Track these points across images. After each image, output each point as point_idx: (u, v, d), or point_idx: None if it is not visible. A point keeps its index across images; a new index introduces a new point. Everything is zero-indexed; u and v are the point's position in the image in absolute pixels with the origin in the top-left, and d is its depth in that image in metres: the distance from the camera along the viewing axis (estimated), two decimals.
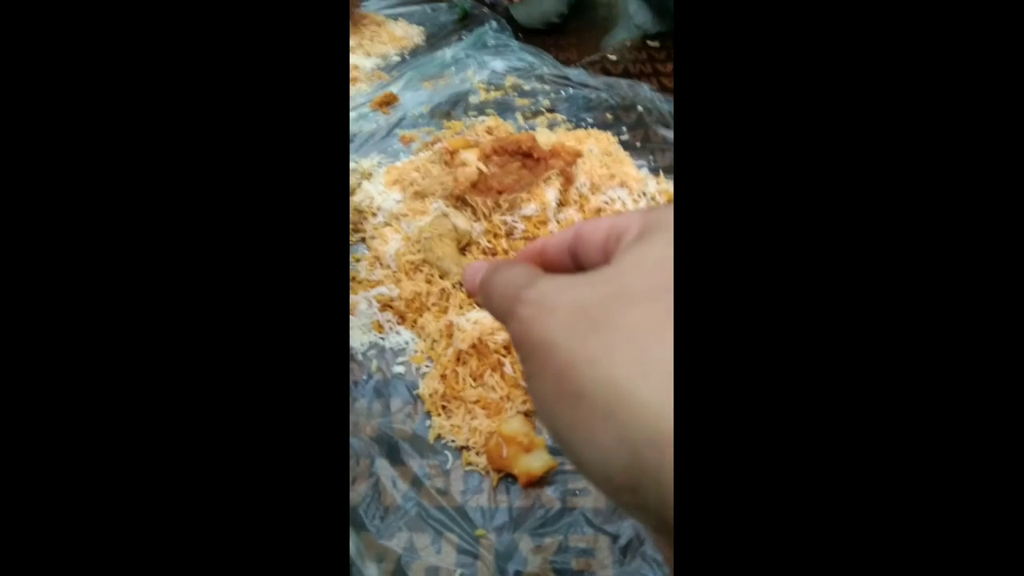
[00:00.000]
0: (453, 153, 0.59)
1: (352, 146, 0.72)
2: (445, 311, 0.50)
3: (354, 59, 0.89)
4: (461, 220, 0.54)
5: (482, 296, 0.16)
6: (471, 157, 0.56)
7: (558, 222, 0.56)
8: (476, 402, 0.43)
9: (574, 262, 0.17)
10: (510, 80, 0.82)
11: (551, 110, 0.76)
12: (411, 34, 0.96)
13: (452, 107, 0.78)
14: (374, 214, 0.59)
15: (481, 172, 0.56)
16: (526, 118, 0.75)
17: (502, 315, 0.15)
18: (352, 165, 0.66)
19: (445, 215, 0.54)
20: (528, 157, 0.59)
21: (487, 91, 0.80)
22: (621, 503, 0.12)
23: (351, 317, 0.51)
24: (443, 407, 0.44)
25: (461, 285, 0.50)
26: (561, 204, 0.58)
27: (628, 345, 0.11)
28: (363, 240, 0.58)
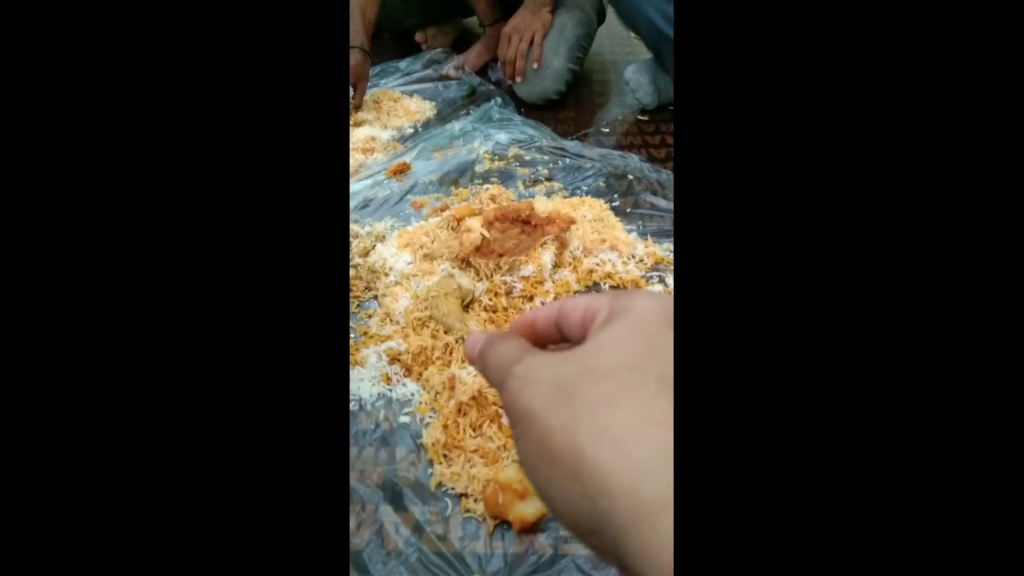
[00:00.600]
0: (460, 220, 0.65)
1: (367, 211, 0.79)
2: (448, 364, 0.54)
3: (372, 131, 0.98)
4: (465, 280, 0.59)
5: (479, 365, 0.20)
6: (475, 224, 0.62)
7: (553, 282, 0.61)
8: (475, 451, 0.47)
9: (559, 333, 0.20)
10: (512, 151, 0.90)
11: (549, 179, 0.83)
12: (424, 109, 1.06)
13: (459, 175, 0.85)
14: (386, 274, 0.64)
15: (484, 237, 0.62)
16: (526, 186, 0.82)
17: (496, 384, 0.18)
18: (367, 229, 0.72)
19: (451, 275, 0.59)
20: (527, 223, 0.65)
21: (491, 161, 0.88)
22: (589, 546, 0.15)
23: (361, 369, 0.55)
24: (444, 455, 0.47)
25: (463, 340, 0.55)
26: (556, 266, 0.63)
27: (590, 415, 0.14)
28: (375, 297, 0.63)
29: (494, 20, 1.17)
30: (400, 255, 0.65)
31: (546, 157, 0.88)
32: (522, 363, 0.17)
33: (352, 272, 0.65)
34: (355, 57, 0.99)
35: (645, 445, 0.13)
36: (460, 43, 1.32)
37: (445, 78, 1.18)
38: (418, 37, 1.32)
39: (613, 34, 1.29)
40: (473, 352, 0.20)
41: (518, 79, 1.01)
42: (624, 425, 0.14)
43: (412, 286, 0.61)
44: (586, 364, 0.16)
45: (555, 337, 0.20)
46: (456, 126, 0.98)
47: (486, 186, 0.82)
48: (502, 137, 0.94)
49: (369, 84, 1.05)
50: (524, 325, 0.21)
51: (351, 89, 0.99)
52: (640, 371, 0.15)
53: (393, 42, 1.37)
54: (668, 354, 0.15)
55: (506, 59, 0.99)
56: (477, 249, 0.61)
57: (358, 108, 1.01)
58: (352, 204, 0.80)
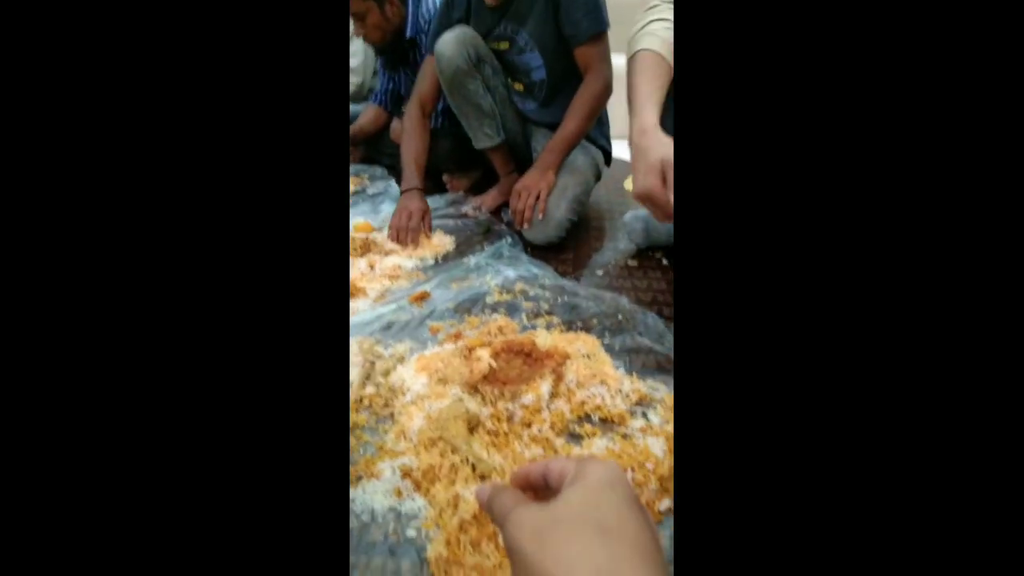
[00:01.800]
0: (471, 349, 0.76)
1: (390, 332, 0.90)
2: (453, 483, 0.61)
3: (398, 260, 1.13)
4: (473, 405, 0.68)
5: (486, 509, 0.28)
6: (484, 354, 0.73)
7: (549, 411, 0.70)
8: (474, 568, 0.52)
9: (546, 484, 0.28)
10: (519, 286, 1.04)
11: (549, 313, 0.95)
12: (445, 242, 1.23)
13: (472, 305, 0.98)
14: (404, 394, 0.73)
15: (491, 367, 0.72)
16: (529, 318, 0.94)
17: (498, 525, 0.26)
18: (390, 351, 0.83)
19: (460, 400, 0.69)
20: (528, 356, 0.76)
21: (500, 293, 1.01)
22: None
23: (376, 481, 0.62)
24: (445, 572, 0.53)
25: (468, 462, 0.62)
26: (553, 396, 0.72)
27: (560, 553, 0.22)
28: (392, 415, 0.71)
29: (508, 172, 1.40)
30: (417, 377, 0.75)
31: (548, 294, 1.01)
32: (515, 511, 0.26)
33: (373, 390, 0.75)
34: (415, 197, 1.21)
35: (588, 571, 0.21)
36: (479, 186, 1.55)
37: (464, 216, 1.37)
38: (445, 178, 1.55)
39: (609, 189, 1.51)
40: (482, 499, 0.29)
41: (526, 226, 1.19)
42: (576, 558, 0.22)
43: (426, 407, 0.70)
44: (554, 515, 0.24)
45: (542, 487, 0.29)
46: (472, 260, 1.13)
47: (495, 316, 0.94)
48: (510, 273, 1.09)
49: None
50: (521, 477, 0.30)
51: (420, 222, 1.20)
52: (587, 522, 0.23)
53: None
54: (609, 510, 0.23)
55: (516, 209, 1.18)
56: (484, 377, 0.71)
57: (428, 238, 1.20)
58: (377, 326, 0.91)
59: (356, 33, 1.44)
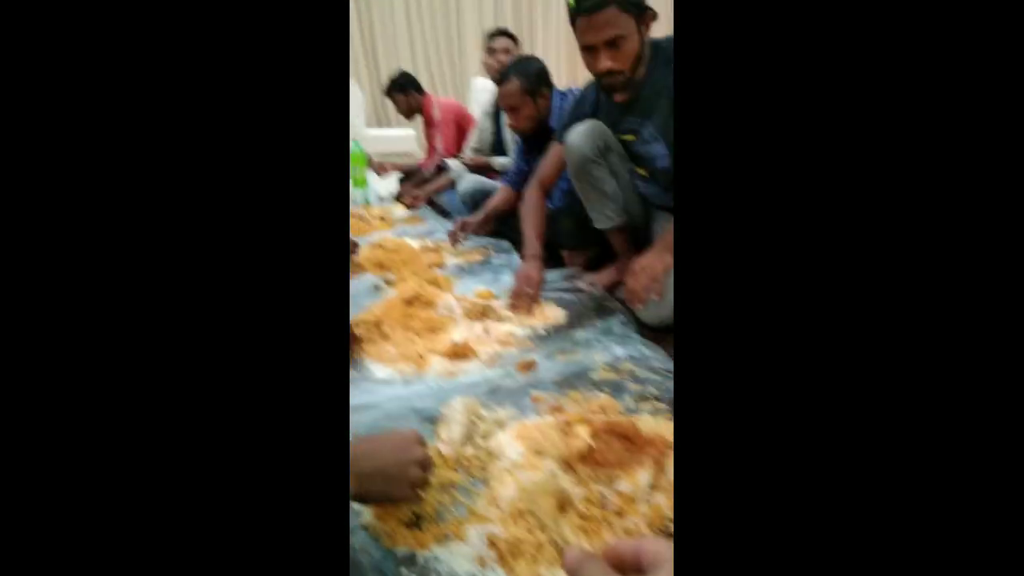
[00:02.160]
0: (570, 424, 0.75)
1: (495, 396, 0.93)
2: (536, 561, 0.59)
3: (512, 327, 1.18)
4: (566, 483, 0.67)
5: (570, 575, 0.28)
6: (584, 432, 0.72)
7: (647, 503, 0.65)
8: None
9: (637, 565, 0.28)
10: (627, 366, 1.01)
11: (656, 399, 0.91)
12: (557, 315, 1.26)
13: (576, 379, 0.98)
14: (500, 459, 0.75)
15: (589, 446, 0.71)
16: (635, 400, 0.91)
17: None
18: (493, 415, 0.85)
19: (554, 475, 0.68)
20: (629, 441, 0.73)
21: (606, 371, 1.00)
22: None
23: (461, 543, 0.62)
24: None
25: (554, 543, 0.60)
26: (652, 487, 0.68)
27: None
28: (486, 479, 0.72)
29: (626, 252, 1.41)
30: (514, 445, 0.76)
31: (657, 378, 0.97)
32: None
33: (471, 451, 0.77)
34: (536, 265, 1.29)
35: None
36: (596, 262, 1.58)
37: (579, 291, 1.40)
38: (563, 254, 1.62)
39: None
40: (570, 563, 0.29)
41: (640, 306, 1.17)
42: None
43: (519, 476, 0.70)
44: None
45: (632, 567, 0.28)
46: (581, 334, 1.14)
47: (598, 393, 0.92)
48: (619, 351, 1.07)
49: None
50: (612, 553, 0.30)
51: (538, 290, 1.26)
52: None
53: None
54: None
55: (632, 289, 1.18)
56: (581, 456, 0.70)
57: (536, 304, 1.26)
58: (484, 388, 0.95)
59: (509, 123, 1.65)
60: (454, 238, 1.76)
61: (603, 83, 1.20)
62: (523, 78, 1.59)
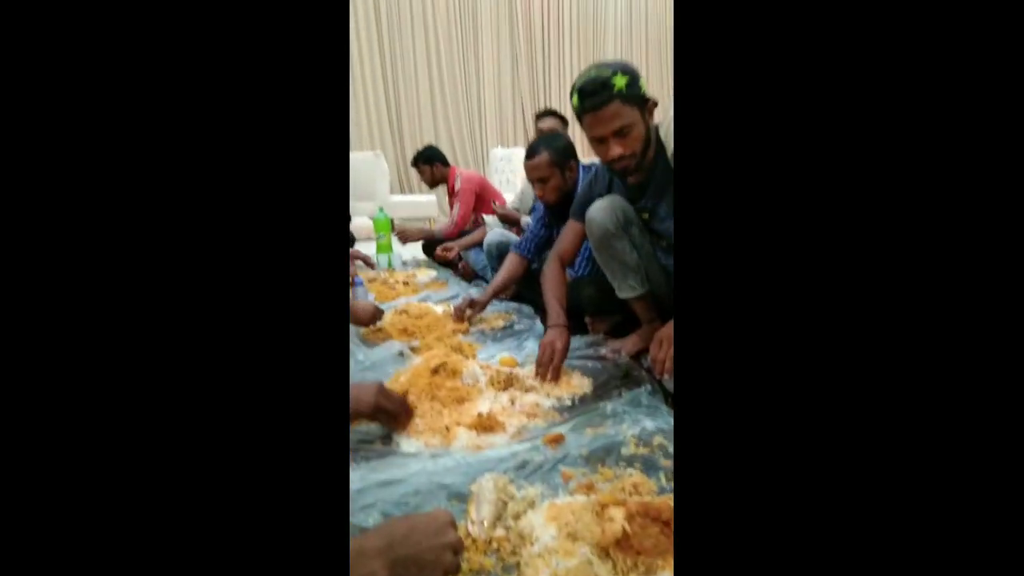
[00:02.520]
0: (604, 507, 0.73)
1: (523, 472, 0.92)
2: None
3: (537, 398, 1.18)
4: (602, 571, 0.64)
5: None
6: (618, 515, 0.70)
7: None
8: None
9: None
10: (657, 440, 0.99)
11: None
12: (583, 384, 1.25)
13: (606, 455, 0.96)
14: (532, 543, 0.72)
15: (624, 530, 0.68)
16: (668, 479, 0.88)
17: None
18: (522, 493, 0.84)
19: (589, 563, 0.65)
20: (667, 525, 0.70)
21: (637, 446, 0.98)
22: None
23: None
24: None
25: None
26: None
27: None
28: (518, 564, 0.70)
29: (650, 320, 1.42)
30: (547, 527, 0.74)
31: None
32: None
33: (502, 533, 0.75)
34: (561, 334, 1.30)
35: None
36: (619, 329, 1.58)
37: (603, 359, 1.40)
38: (587, 320, 1.63)
39: None
40: None
41: (667, 376, 1.16)
42: None
43: (553, 563, 0.68)
44: None
45: None
46: (608, 406, 1.13)
47: (630, 471, 0.90)
48: (649, 424, 1.05)
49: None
50: None
51: (562, 360, 1.26)
52: None
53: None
54: None
55: (657, 358, 1.18)
56: (617, 542, 0.67)
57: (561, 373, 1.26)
58: (512, 463, 0.94)
59: (537, 194, 1.72)
60: (460, 315, 1.75)
61: (615, 168, 1.26)
62: (551, 151, 1.68)
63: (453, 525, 0.63)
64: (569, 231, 1.47)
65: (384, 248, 2.83)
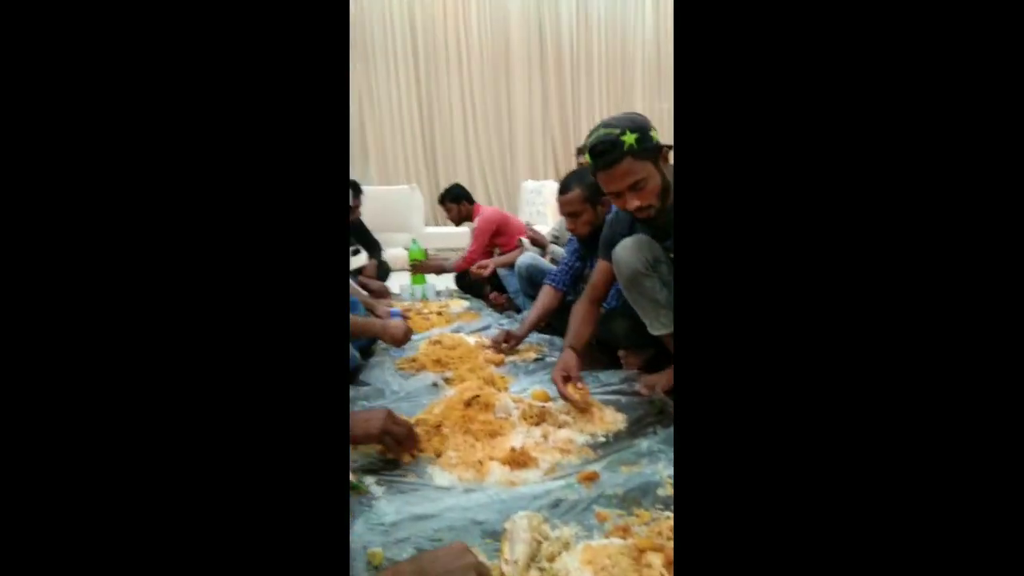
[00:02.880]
0: (642, 552, 0.71)
1: (557, 511, 0.90)
2: None
3: (570, 434, 1.17)
4: None
5: None
6: (657, 562, 0.68)
7: None
8: None
9: None
10: None
11: None
12: (617, 420, 1.23)
13: (642, 495, 0.93)
14: None
15: None
16: None
17: None
18: (557, 533, 0.82)
19: None
20: None
21: (673, 487, 0.95)
22: None
23: None
24: None
25: None
26: None
27: None
28: None
29: None
30: (582, 571, 0.72)
31: None
32: None
33: (536, 575, 0.74)
34: (570, 355, 1.30)
35: None
36: (653, 364, 1.56)
37: (637, 394, 1.38)
38: (620, 354, 1.61)
39: None
40: None
41: None
42: None
43: None
44: None
45: None
46: (643, 444, 1.11)
47: (667, 513, 0.87)
48: None
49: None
50: None
51: (568, 378, 1.27)
52: None
53: (599, 352, 1.68)
54: None
55: None
56: None
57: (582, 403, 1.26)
58: (546, 501, 0.93)
59: (568, 228, 1.75)
60: (497, 348, 1.78)
61: (637, 217, 1.28)
62: (584, 187, 1.71)
63: (467, 550, 0.64)
64: (598, 272, 1.48)
65: (418, 280, 2.90)
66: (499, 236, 2.89)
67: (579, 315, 1.45)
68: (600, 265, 1.48)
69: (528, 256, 2.29)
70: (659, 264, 1.34)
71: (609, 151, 1.18)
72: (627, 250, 1.34)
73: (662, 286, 1.35)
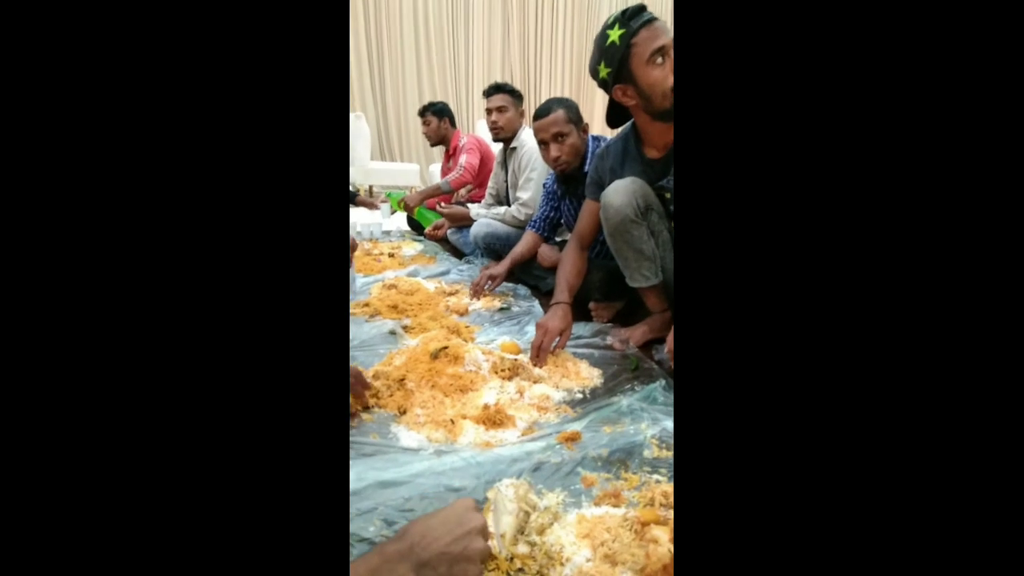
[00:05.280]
0: (644, 525, 0.65)
1: (539, 474, 0.83)
2: None
3: (546, 390, 1.09)
4: None
5: None
6: (663, 536, 0.62)
7: None
8: None
9: None
10: None
11: None
12: (592, 376, 1.17)
13: (628, 457, 0.88)
14: (563, 564, 0.64)
15: (671, 555, 0.60)
16: None
17: None
18: (545, 503, 0.75)
19: None
20: None
21: (659, 448, 0.90)
22: None
23: None
24: None
25: None
26: None
27: None
28: None
29: (662, 310, 1.34)
30: (579, 546, 0.65)
31: None
32: None
33: (526, 550, 0.66)
34: (559, 314, 1.21)
35: None
36: (623, 316, 1.51)
37: (610, 348, 1.32)
38: (591, 306, 1.54)
39: None
40: None
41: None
42: None
43: None
44: None
45: None
46: (623, 402, 1.05)
47: (656, 477, 0.82)
48: (668, 424, 0.98)
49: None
50: None
51: (553, 342, 1.18)
52: None
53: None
54: None
55: (672, 349, 1.10)
56: (665, 568, 0.59)
57: (555, 355, 1.19)
58: (527, 464, 0.85)
59: (552, 155, 1.57)
60: (478, 292, 1.66)
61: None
62: (566, 108, 1.56)
63: (476, 508, 0.57)
64: (586, 212, 1.36)
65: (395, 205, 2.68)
66: (481, 167, 2.64)
67: (568, 265, 1.34)
68: (587, 206, 1.35)
69: (483, 223, 2.11)
70: (650, 212, 1.25)
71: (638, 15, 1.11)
72: (618, 194, 1.22)
73: (649, 236, 1.26)
